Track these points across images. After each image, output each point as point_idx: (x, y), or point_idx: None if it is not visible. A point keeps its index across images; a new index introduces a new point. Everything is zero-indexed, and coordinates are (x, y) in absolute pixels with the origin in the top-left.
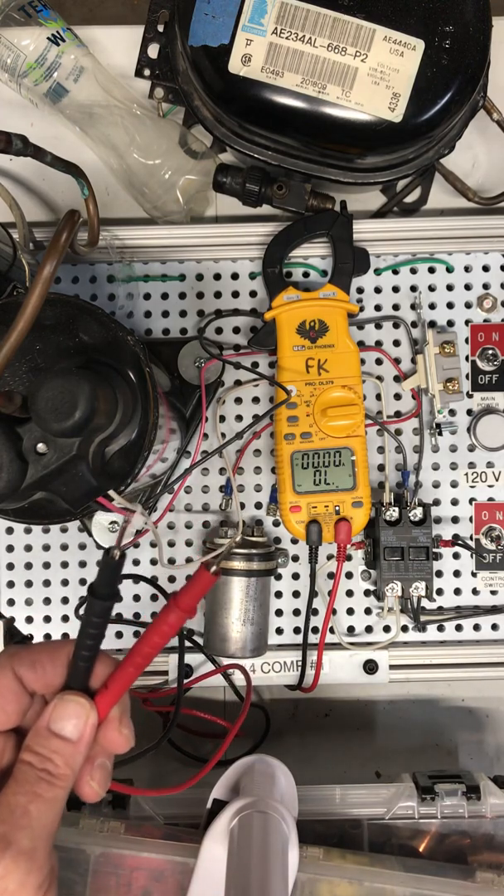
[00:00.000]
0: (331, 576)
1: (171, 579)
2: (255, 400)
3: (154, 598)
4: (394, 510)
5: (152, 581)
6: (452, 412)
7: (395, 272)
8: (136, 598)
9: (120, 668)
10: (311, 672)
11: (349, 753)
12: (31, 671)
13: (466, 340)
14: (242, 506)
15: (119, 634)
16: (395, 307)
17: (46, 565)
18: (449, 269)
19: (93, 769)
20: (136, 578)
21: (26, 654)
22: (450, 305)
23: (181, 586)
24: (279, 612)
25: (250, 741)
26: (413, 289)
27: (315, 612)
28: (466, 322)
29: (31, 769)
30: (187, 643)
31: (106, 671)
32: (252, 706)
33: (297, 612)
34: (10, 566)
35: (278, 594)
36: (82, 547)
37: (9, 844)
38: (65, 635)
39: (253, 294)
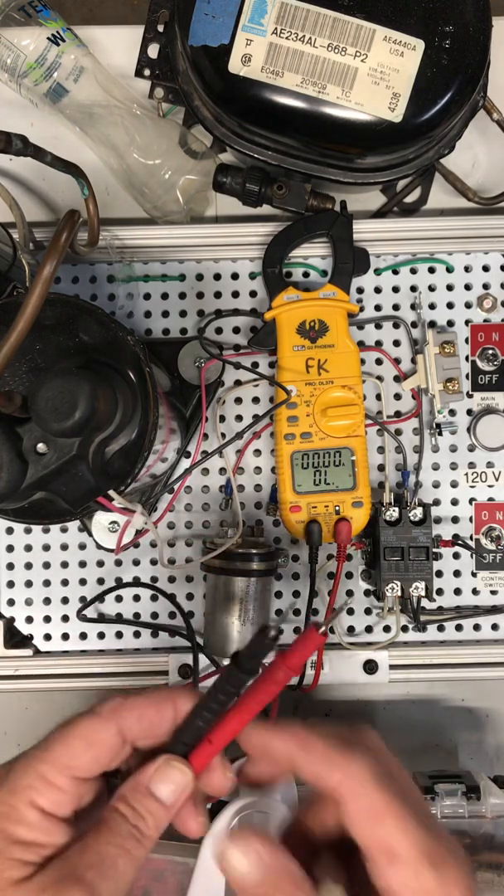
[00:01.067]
0: (331, 576)
1: (171, 579)
2: (255, 400)
3: (154, 598)
4: (394, 510)
5: (152, 585)
6: (452, 412)
7: (395, 272)
8: (136, 598)
9: (225, 722)
10: (311, 672)
11: None
12: (137, 725)
13: (466, 340)
14: (242, 506)
15: (119, 634)
16: (395, 307)
17: (46, 565)
18: (449, 269)
19: (197, 807)
20: (137, 583)
21: (133, 707)
22: (450, 305)
23: (291, 645)
24: (279, 612)
25: None
26: (413, 289)
27: (315, 612)
28: (466, 322)
29: (125, 822)
30: (184, 642)
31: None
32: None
33: (297, 613)
34: (10, 566)
35: (278, 594)
36: (82, 547)
37: (95, 894)
38: (65, 636)
39: (253, 294)
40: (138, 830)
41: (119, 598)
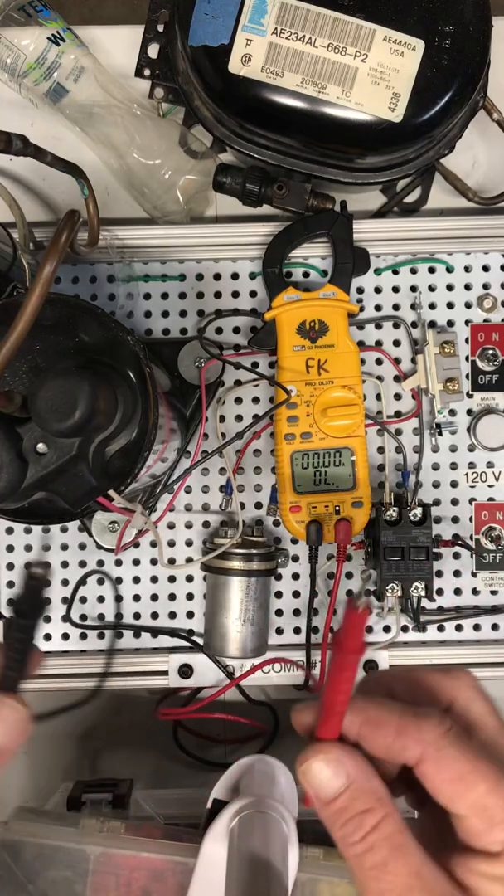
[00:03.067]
0: (331, 576)
1: (172, 579)
2: (255, 400)
3: (154, 597)
4: (394, 510)
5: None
6: (452, 412)
7: (395, 272)
8: (137, 598)
9: (328, 710)
10: (313, 672)
11: None
12: None
13: (466, 340)
14: (242, 506)
15: (119, 634)
16: (395, 307)
17: (46, 565)
18: (449, 269)
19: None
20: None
21: None
22: (450, 305)
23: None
24: (279, 612)
25: (261, 741)
26: (413, 289)
27: (315, 612)
28: (466, 322)
29: None
30: (186, 643)
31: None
32: (260, 704)
33: (297, 613)
34: (10, 566)
35: (278, 594)
36: (82, 547)
37: None
38: (65, 636)
39: (253, 294)
40: None
41: (119, 598)
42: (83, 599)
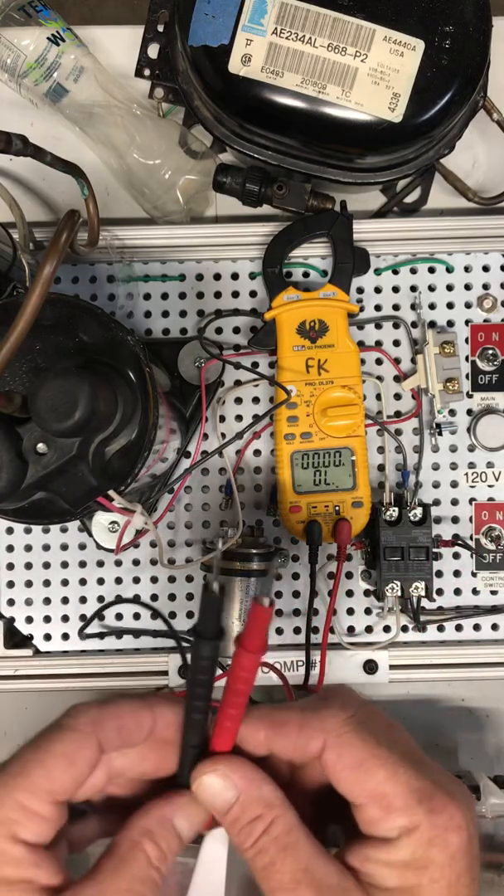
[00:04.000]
0: (331, 576)
1: (171, 579)
2: (255, 400)
3: (154, 597)
4: (394, 510)
5: (149, 605)
6: (452, 412)
7: (395, 272)
8: (136, 597)
9: (219, 725)
10: (313, 672)
11: None
12: (117, 737)
13: (466, 340)
14: (242, 506)
15: (119, 634)
16: (395, 307)
17: (46, 565)
18: (449, 269)
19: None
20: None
21: (113, 717)
22: (450, 305)
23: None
24: (279, 612)
25: None
26: (413, 289)
27: (315, 612)
28: (466, 322)
29: (147, 864)
30: (184, 643)
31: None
32: (258, 704)
33: (297, 612)
34: (10, 566)
35: (278, 594)
36: (82, 547)
37: None
38: (65, 636)
39: (253, 294)
40: (158, 872)
41: (119, 616)
42: (83, 599)
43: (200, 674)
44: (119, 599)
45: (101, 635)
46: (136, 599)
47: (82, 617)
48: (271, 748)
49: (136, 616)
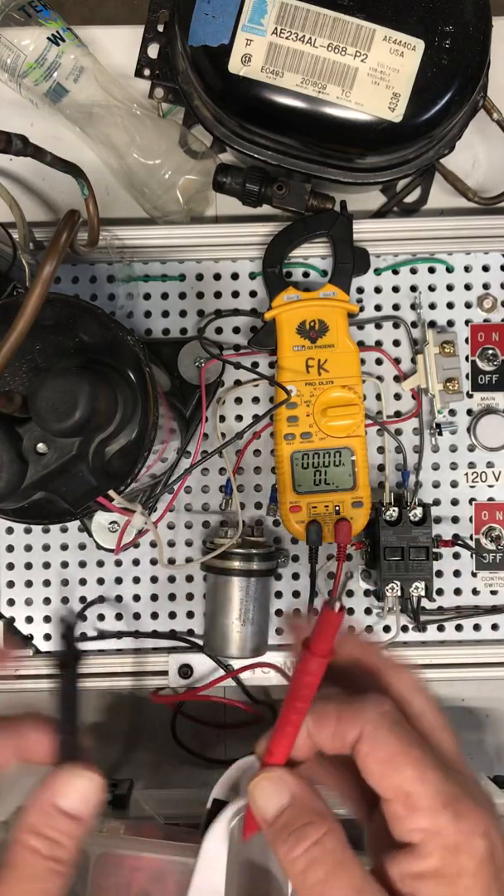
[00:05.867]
0: (331, 576)
1: (171, 579)
2: (255, 400)
3: (154, 597)
4: (394, 510)
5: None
6: (452, 412)
7: (395, 272)
8: (136, 597)
9: (279, 732)
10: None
11: None
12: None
13: (466, 340)
14: (242, 506)
15: (119, 634)
16: (395, 307)
17: (46, 565)
18: (449, 269)
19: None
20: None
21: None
22: (450, 305)
23: (313, 631)
24: (279, 612)
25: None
26: (413, 289)
27: (315, 611)
28: (466, 322)
29: (39, 859)
30: (183, 644)
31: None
32: (261, 704)
33: (297, 612)
34: (10, 566)
35: (278, 594)
36: (82, 547)
37: None
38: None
39: (253, 294)
40: (55, 861)
41: (119, 599)
42: (83, 599)
43: (68, 700)
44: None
45: (101, 633)
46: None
47: (83, 617)
48: (314, 740)
49: (137, 616)
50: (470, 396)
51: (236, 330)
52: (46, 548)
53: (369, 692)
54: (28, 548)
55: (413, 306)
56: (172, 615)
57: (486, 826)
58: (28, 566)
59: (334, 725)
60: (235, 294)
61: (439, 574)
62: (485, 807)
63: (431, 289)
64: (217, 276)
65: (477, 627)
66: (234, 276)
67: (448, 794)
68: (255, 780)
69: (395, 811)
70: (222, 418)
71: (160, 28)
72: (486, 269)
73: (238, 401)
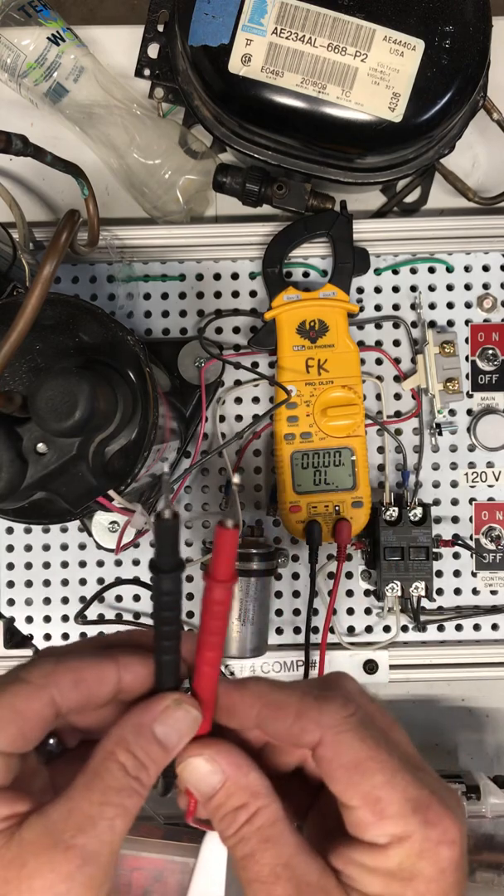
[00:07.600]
0: (331, 576)
1: None
2: (255, 400)
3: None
4: (394, 510)
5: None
6: (452, 412)
7: (395, 272)
8: (136, 597)
9: (199, 673)
10: (313, 672)
11: None
12: (74, 693)
13: (466, 340)
14: (242, 506)
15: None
16: (395, 307)
17: (46, 565)
18: (449, 269)
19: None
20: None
21: (69, 672)
22: (450, 305)
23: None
24: (279, 612)
25: None
26: (413, 289)
27: (315, 611)
28: (466, 322)
29: (124, 774)
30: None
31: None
32: None
33: (297, 612)
34: (10, 566)
35: (278, 594)
36: (82, 547)
37: (86, 862)
38: (65, 636)
39: (253, 294)
40: (139, 782)
41: (119, 598)
42: (82, 599)
43: (165, 610)
44: (119, 581)
45: (101, 633)
46: (136, 580)
47: (83, 619)
48: (262, 727)
49: (137, 616)
50: (470, 396)
51: (236, 330)
52: (46, 548)
53: (331, 692)
54: (28, 548)
55: (413, 306)
56: None
57: (454, 835)
58: (28, 566)
59: (292, 721)
60: (235, 294)
61: (439, 574)
62: (454, 811)
63: (431, 289)
64: (217, 276)
65: (477, 627)
66: (234, 276)
67: (418, 799)
68: (186, 760)
69: (362, 817)
70: (222, 418)
71: (160, 28)
72: (486, 269)
73: (238, 401)
